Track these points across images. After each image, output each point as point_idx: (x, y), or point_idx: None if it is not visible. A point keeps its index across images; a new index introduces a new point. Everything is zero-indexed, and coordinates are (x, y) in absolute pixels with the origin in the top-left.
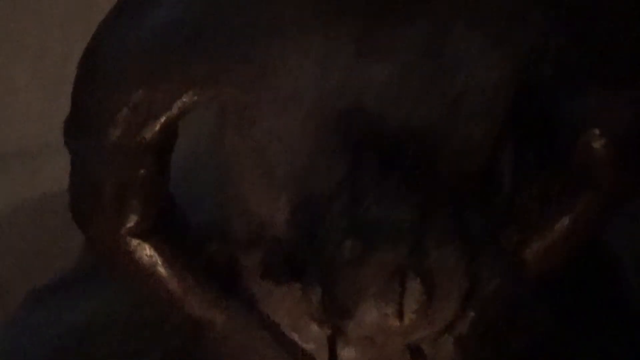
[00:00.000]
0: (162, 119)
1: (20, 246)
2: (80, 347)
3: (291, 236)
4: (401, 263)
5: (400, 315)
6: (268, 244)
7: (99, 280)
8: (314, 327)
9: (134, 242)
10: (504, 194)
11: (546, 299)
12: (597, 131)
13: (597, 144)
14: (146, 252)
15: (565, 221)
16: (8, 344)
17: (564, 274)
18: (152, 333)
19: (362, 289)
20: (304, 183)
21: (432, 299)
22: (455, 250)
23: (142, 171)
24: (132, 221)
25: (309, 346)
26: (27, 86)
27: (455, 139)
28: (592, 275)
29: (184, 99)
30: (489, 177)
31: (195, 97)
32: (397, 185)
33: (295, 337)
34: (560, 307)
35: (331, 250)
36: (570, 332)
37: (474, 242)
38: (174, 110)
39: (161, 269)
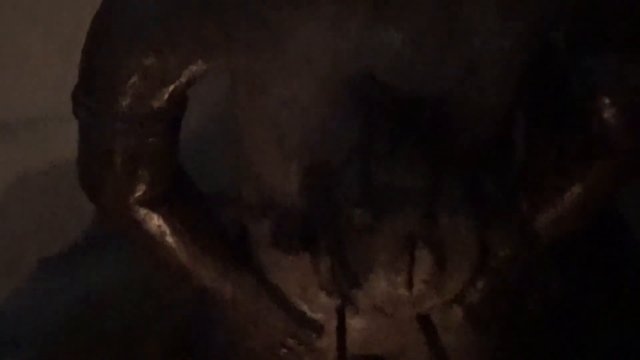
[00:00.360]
0: (172, 87)
1: (31, 213)
2: (93, 314)
3: (302, 204)
4: (411, 232)
5: (409, 285)
6: (279, 213)
7: (110, 248)
8: (323, 297)
9: (143, 211)
10: (517, 162)
11: (559, 266)
12: (607, 100)
13: (608, 113)
14: (155, 221)
15: (577, 190)
16: (21, 311)
17: (577, 242)
18: (164, 301)
19: (371, 259)
20: (316, 150)
21: (442, 269)
22: (467, 219)
23: (151, 140)
24: (141, 190)
25: (318, 316)
26: (38, 54)
27: (469, 105)
28: (604, 244)
29: (194, 67)
30: (502, 144)
31: (205, 65)
32: (409, 153)
33: (304, 307)
34: (573, 273)
35: (342, 219)
36: (583, 299)
37: (486, 210)
38: (184, 78)
39: (170, 239)
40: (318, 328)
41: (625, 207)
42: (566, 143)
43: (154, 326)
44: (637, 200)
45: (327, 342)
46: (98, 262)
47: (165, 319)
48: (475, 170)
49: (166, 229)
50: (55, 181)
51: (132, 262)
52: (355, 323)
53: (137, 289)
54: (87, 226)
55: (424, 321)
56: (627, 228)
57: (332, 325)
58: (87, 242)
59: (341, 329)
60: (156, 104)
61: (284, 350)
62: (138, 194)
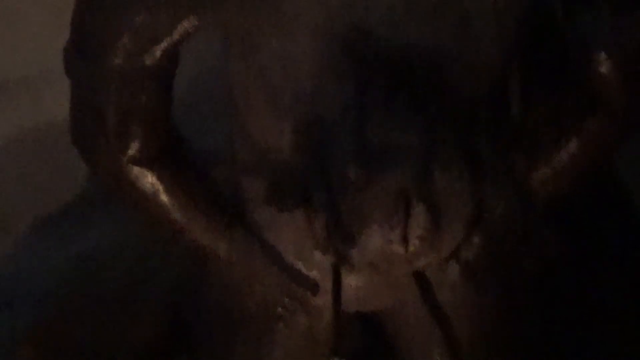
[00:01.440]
0: (163, 45)
1: (25, 174)
2: (86, 275)
3: (296, 162)
4: (406, 188)
5: (404, 242)
6: (273, 170)
7: (104, 208)
8: (318, 255)
9: (136, 170)
10: (513, 118)
11: (556, 226)
12: (604, 55)
13: (604, 68)
14: (148, 180)
15: (573, 146)
16: (15, 273)
17: (575, 202)
18: (158, 262)
19: (366, 215)
20: (309, 107)
21: (437, 226)
22: (462, 175)
23: (143, 98)
24: (134, 149)
25: (313, 274)
26: (30, 13)
27: (463, 61)
28: (602, 204)
29: (186, 24)
30: (498, 100)
31: (197, 22)
32: (403, 109)
33: (299, 265)
34: (571, 233)
35: (335, 176)
36: (580, 256)
37: (481, 167)
38: (176, 35)
39: (164, 197)
40: (313, 286)
41: (625, 168)
42: (562, 99)
43: (148, 287)
44: (637, 162)
45: (323, 300)
46: (91, 223)
47: (159, 280)
48: (470, 126)
49: (160, 187)
50: (48, 141)
51: (126, 223)
52: (350, 281)
53: (131, 250)
54: (80, 187)
55: (420, 278)
56: (626, 189)
57: (327, 283)
58: (80, 202)
59: (337, 287)
60: (148, 61)
61: (280, 309)
62: (131, 152)
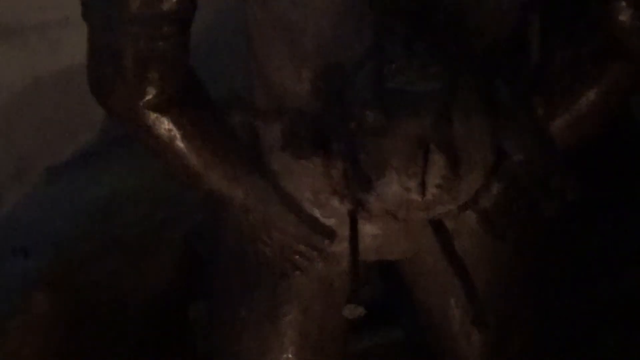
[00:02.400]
0: None
1: (41, 120)
2: (104, 219)
3: (314, 107)
4: (425, 135)
5: (422, 189)
6: (290, 116)
7: (120, 155)
8: (335, 202)
9: (153, 115)
10: (533, 64)
11: (575, 172)
12: (624, 3)
13: (624, 16)
14: (165, 126)
15: (592, 93)
16: (31, 219)
17: (592, 148)
18: (177, 206)
19: (384, 161)
20: (329, 52)
21: (455, 173)
22: (481, 122)
23: (161, 43)
24: (150, 94)
25: (330, 221)
26: None
27: (483, 7)
28: (620, 151)
29: None
30: (517, 47)
31: None
32: (423, 55)
33: (316, 212)
34: (588, 176)
35: (354, 122)
36: (598, 201)
37: (501, 113)
38: None
39: (180, 144)
40: (330, 233)
41: None
42: (581, 46)
43: (164, 232)
44: None
45: (340, 247)
46: (107, 170)
47: (176, 227)
48: (490, 74)
49: (176, 133)
50: (65, 87)
51: (143, 169)
52: (368, 229)
53: (147, 195)
54: (96, 133)
55: (437, 226)
56: None
57: (344, 231)
58: (96, 149)
59: (354, 234)
60: (166, 5)
61: (297, 257)
62: (148, 97)
